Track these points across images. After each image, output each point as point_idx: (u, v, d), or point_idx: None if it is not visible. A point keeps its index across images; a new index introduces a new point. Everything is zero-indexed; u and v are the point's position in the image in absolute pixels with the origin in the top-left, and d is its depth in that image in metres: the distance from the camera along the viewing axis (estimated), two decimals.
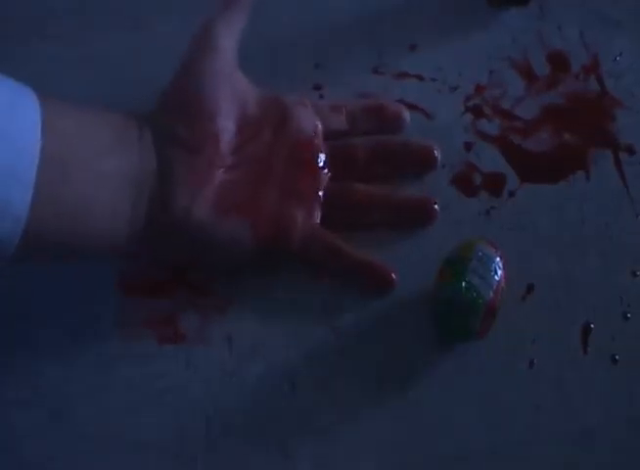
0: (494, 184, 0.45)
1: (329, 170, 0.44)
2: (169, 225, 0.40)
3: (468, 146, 0.46)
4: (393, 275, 0.42)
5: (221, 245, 0.41)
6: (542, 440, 0.39)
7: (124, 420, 0.39)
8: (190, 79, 0.41)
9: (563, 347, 0.40)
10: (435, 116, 0.47)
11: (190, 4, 0.49)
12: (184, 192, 0.40)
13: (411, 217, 0.44)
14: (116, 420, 0.39)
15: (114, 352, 0.41)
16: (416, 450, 0.39)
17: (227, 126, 0.41)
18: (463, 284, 0.38)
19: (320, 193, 0.43)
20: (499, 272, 0.39)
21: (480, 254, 0.39)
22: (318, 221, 0.43)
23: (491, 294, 0.38)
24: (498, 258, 0.39)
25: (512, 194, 0.44)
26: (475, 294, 0.38)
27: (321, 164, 0.43)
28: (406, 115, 0.46)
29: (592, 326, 0.41)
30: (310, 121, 0.44)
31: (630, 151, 0.45)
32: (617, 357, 0.40)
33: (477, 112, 0.47)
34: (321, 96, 0.47)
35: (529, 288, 0.42)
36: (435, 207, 0.43)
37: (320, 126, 0.44)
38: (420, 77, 0.48)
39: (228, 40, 0.42)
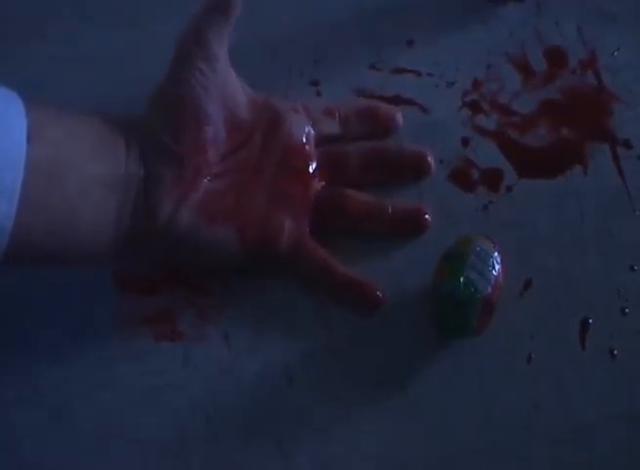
0: (492, 179, 0.44)
1: (320, 177, 0.43)
2: (154, 230, 0.39)
3: (465, 141, 0.46)
4: (380, 294, 0.41)
5: (207, 249, 0.41)
6: (541, 436, 0.38)
7: (123, 419, 0.39)
8: (180, 88, 0.40)
9: (561, 342, 0.40)
10: (433, 111, 0.47)
11: (190, 3, 0.48)
12: (169, 198, 0.39)
13: (402, 227, 0.43)
14: (115, 419, 0.39)
15: (113, 351, 0.41)
16: (415, 449, 0.38)
17: (216, 135, 0.41)
18: (461, 280, 0.38)
19: (310, 199, 0.43)
20: (497, 268, 0.39)
21: (478, 249, 0.39)
22: (307, 228, 0.42)
23: (489, 289, 0.38)
24: (496, 254, 0.39)
25: (509, 189, 0.44)
26: (473, 289, 0.38)
27: (312, 171, 0.43)
28: (399, 117, 0.45)
29: (590, 321, 0.41)
30: (302, 127, 0.43)
31: (628, 146, 0.45)
32: (615, 353, 0.40)
33: (474, 107, 0.47)
34: (318, 92, 0.47)
35: (527, 283, 0.42)
36: (427, 217, 0.43)
37: (312, 132, 0.43)
38: (417, 73, 0.48)
39: (218, 45, 0.40)
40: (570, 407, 0.39)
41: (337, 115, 0.44)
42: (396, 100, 0.47)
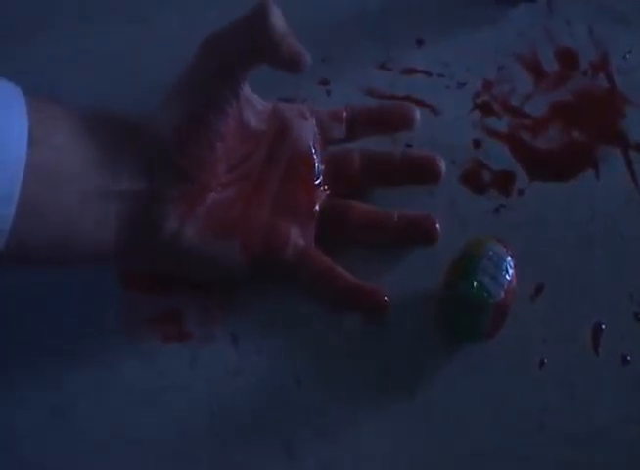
0: (503, 182, 0.44)
1: (327, 186, 0.43)
2: (157, 243, 0.39)
3: (477, 143, 0.45)
4: (386, 298, 0.41)
5: (211, 262, 0.40)
6: (552, 440, 0.38)
7: (127, 419, 0.39)
8: (195, 106, 0.38)
9: (573, 347, 0.40)
10: (443, 112, 0.46)
11: (190, 1, 0.49)
12: (175, 214, 0.38)
13: (411, 238, 0.43)
14: (119, 419, 0.39)
15: (117, 351, 0.40)
16: (424, 452, 0.38)
17: (227, 153, 0.40)
18: (474, 283, 0.38)
19: (316, 208, 0.42)
20: (510, 272, 0.39)
21: (490, 252, 0.39)
22: (312, 238, 0.42)
23: (502, 294, 0.38)
24: (509, 258, 0.39)
25: (521, 192, 0.44)
26: (485, 294, 0.38)
27: (317, 179, 0.42)
28: (414, 113, 0.44)
29: (603, 327, 0.40)
30: (309, 135, 0.42)
31: None
32: (628, 359, 0.40)
33: (485, 108, 0.46)
34: (328, 92, 0.47)
35: (539, 288, 0.41)
36: (437, 226, 0.42)
37: (319, 138, 0.43)
38: (427, 73, 0.48)
39: (245, 81, 0.39)
40: (581, 412, 0.39)
41: (343, 118, 0.43)
42: (407, 100, 0.46)
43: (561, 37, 0.49)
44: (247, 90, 0.40)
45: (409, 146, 0.45)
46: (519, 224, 0.43)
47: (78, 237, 0.37)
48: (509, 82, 0.47)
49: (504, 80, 0.47)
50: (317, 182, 0.42)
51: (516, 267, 0.39)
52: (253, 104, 0.41)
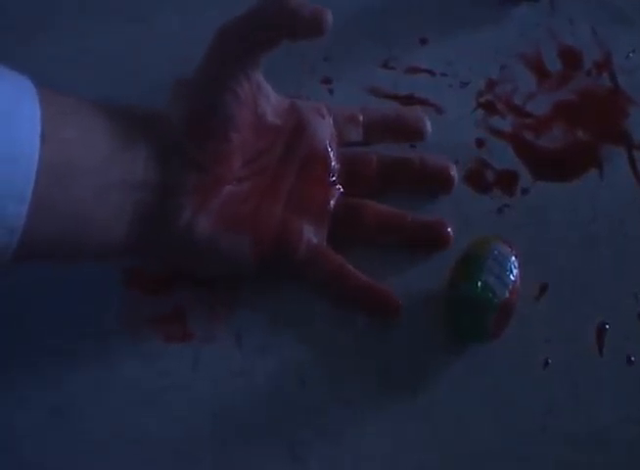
0: (507, 182, 0.44)
1: (341, 185, 0.43)
2: (169, 236, 0.39)
3: (480, 142, 0.45)
4: (399, 301, 0.41)
5: (222, 257, 0.40)
6: (556, 441, 0.38)
7: (128, 419, 0.39)
8: (212, 94, 0.38)
9: (577, 347, 0.40)
10: (447, 111, 0.46)
11: (189, 2, 0.49)
12: (188, 207, 0.38)
13: (422, 241, 0.42)
14: (120, 419, 0.39)
15: (119, 351, 0.40)
16: (429, 453, 0.38)
17: (242, 145, 0.39)
18: (479, 283, 0.38)
19: (330, 206, 0.42)
20: (515, 272, 0.39)
21: (495, 252, 0.39)
22: (325, 236, 0.41)
23: (507, 294, 0.38)
24: (514, 258, 0.39)
25: (525, 192, 0.44)
26: (490, 294, 0.38)
27: (332, 178, 0.42)
28: (428, 126, 0.44)
29: (607, 327, 0.40)
30: (325, 133, 0.42)
31: None
32: (632, 359, 0.40)
33: (489, 108, 0.46)
34: (330, 90, 0.47)
35: (543, 288, 0.41)
36: (449, 230, 0.42)
37: (335, 139, 0.42)
38: (430, 72, 0.48)
39: (258, 67, 0.39)
40: (585, 412, 0.39)
41: (360, 122, 0.43)
42: (410, 99, 0.47)
43: (564, 37, 0.49)
44: (260, 79, 0.40)
45: (413, 146, 0.45)
46: (522, 224, 0.43)
47: (90, 231, 0.37)
48: (512, 81, 0.47)
49: (507, 79, 0.47)
50: (332, 180, 0.42)
51: (520, 267, 0.39)
52: (268, 96, 0.40)
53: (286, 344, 0.40)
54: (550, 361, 0.40)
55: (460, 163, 0.44)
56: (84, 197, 0.36)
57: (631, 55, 0.48)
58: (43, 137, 0.34)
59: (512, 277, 0.38)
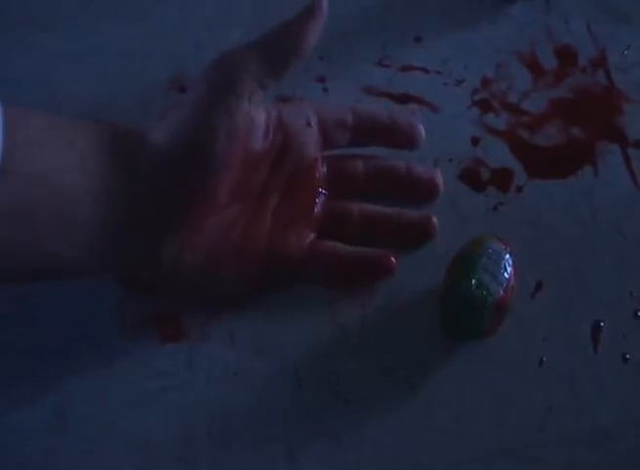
0: (502, 179, 0.44)
1: (326, 189, 0.42)
2: (154, 276, 0.38)
3: (475, 140, 0.45)
4: (393, 259, 0.41)
5: (212, 289, 0.40)
6: (553, 439, 0.38)
7: (126, 421, 0.39)
8: (201, 136, 0.36)
9: (573, 345, 0.40)
10: (442, 109, 0.46)
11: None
12: (171, 246, 0.37)
13: (410, 238, 0.42)
14: (116, 420, 0.39)
15: (115, 351, 0.40)
16: (426, 452, 0.38)
17: (230, 176, 0.38)
18: (473, 282, 0.38)
19: (316, 212, 0.41)
20: (509, 270, 0.38)
21: (490, 250, 0.39)
22: (313, 239, 0.41)
23: (501, 292, 0.38)
24: (508, 256, 0.39)
25: (520, 189, 0.44)
26: (484, 292, 0.38)
27: (319, 186, 0.42)
28: (421, 131, 0.43)
29: (602, 325, 0.40)
30: (312, 146, 0.41)
31: (639, 146, 0.45)
32: (627, 357, 0.40)
33: (484, 106, 0.46)
34: (325, 89, 0.47)
35: (539, 285, 0.41)
36: (434, 220, 0.42)
37: (321, 146, 0.41)
38: (425, 70, 0.47)
39: (260, 103, 0.38)
40: (582, 410, 0.39)
41: (349, 125, 0.42)
42: (405, 98, 0.46)
43: (559, 34, 0.48)
44: (252, 111, 0.38)
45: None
46: (518, 222, 0.43)
47: (59, 267, 0.35)
48: (507, 79, 0.47)
49: (502, 77, 0.47)
50: (318, 189, 0.42)
51: (515, 265, 0.39)
52: (260, 125, 0.38)
53: (280, 344, 0.40)
54: (545, 359, 0.39)
55: (455, 161, 0.44)
56: (48, 237, 0.34)
57: (627, 52, 0.48)
58: (2, 171, 0.31)
59: (506, 275, 0.38)
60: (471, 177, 0.44)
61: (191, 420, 0.38)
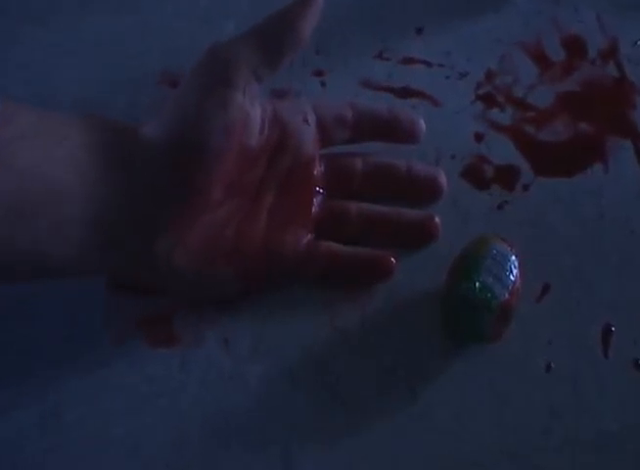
0: (507, 177, 0.43)
1: (324, 188, 0.41)
2: (148, 273, 0.38)
3: (479, 136, 0.44)
4: (393, 260, 0.40)
5: (207, 289, 0.39)
6: (559, 445, 0.37)
7: (117, 425, 0.38)
8: (195, 130, 0.36)
9: (581, 350, 0.39)
10: (444, 104, 0.45)
11: None
12: (165, 244, 0.37)
13: (411, 239, 0.41)
14: (108, 425, 0.38)
15: (107, 355, 0.39)
16: (426, 456, 0.37)
17: (224, 175, 0.37)
18: (477, 284, 0.37)
19: (313, 212, 0.41)
20: (515, 272, 0.37)
21: (494, 252, 0.38)
22: (310, 239, 0.40)
23: (506, 295, 0.37)
24: (514, 257, 0.38)
25: (526, 188, 0.43)
26: (489, 294, 0.37)
27: (316, 185, 0.41)
28: (422, 127, 0.42)
29: (613, 329, 0.39)
30: (310, 143, 0.40)
31: None
32: (639, 362, 0.38)
33: (488, 100, 0.45)
34: (322, 83, 0.46)
35: (545, 288, 0.40)
36: (437, 220, 0.41)
37: (319, 143, 0.41)
38: (427, 63, 0.47)
39: (255, 99, 0.37)
40: (588, 417, 0.37)
41: (349, 122, 0.41)
42: (405, 92, 0.46)
43: (568, 24, 0.48)
44: (247, 104, 0.37)
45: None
46: (523, 222, 0.42)
47: (50, 265, 0.35)
48: (513, 72, 0.46)
49: (508, 70, 0.46)
50: (315, 187, 0.41)
51: (520, 267, 0.38)
52: (255, 119, 0.38)
53: (276, 346, 0.39)
54: (553, 365, 0.38)
55: (457, 157, 0.43)
56: (41, 237, 0.34)
57: (639, 43, 0.47)
58: None
59: (512, 278, 0.37)
60: (474, 175, 0.43)
61: (183, 426, 0.38)
